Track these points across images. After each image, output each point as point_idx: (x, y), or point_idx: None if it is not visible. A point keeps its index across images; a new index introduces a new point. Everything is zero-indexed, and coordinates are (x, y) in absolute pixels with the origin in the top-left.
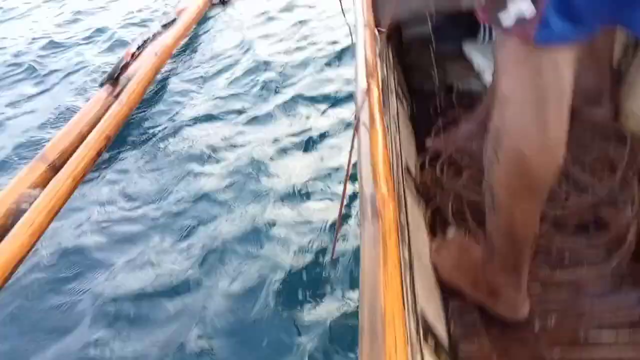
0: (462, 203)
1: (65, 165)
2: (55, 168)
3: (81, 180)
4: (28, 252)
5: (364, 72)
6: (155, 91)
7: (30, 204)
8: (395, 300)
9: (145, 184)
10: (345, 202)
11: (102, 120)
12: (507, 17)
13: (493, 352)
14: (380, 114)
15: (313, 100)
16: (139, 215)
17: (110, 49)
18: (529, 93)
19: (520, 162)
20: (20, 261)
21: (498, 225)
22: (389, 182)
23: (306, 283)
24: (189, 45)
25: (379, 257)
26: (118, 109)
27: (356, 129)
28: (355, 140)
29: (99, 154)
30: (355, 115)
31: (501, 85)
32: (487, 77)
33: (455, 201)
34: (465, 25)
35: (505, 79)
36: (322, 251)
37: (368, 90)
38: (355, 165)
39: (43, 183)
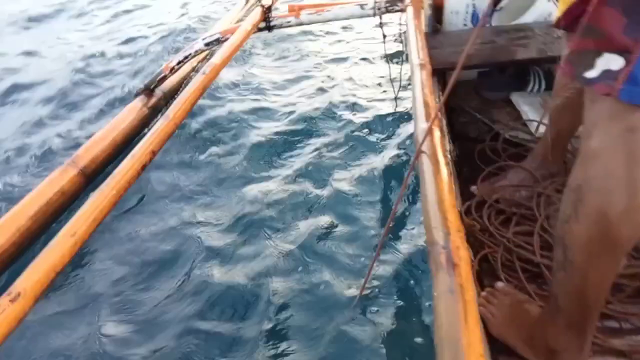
0: (511, 255)
1: (110, 178)
2: (85, 174)
3: (124, 193)
4: (67, 262)
5: (423, 112)
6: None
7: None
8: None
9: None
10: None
11: (147, 135)
12: (593, 72)
13: None
14: (444, 159)
15: (366, 134)
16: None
17: (149, 61)
18: (620, 151)
19: (603, 222)
20: (61, 270)
21: (568, 284)
22: (461, 230)
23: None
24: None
25: (459, 312)
26: (164, 125)
27: (412, 168)
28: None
29: (143, 167)
30: (415, 157)
31: (590, 141)
32: (536, 127)
33: (504, 255)
34: (513, 74)
35: (596, 134)
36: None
37: (430, 132)
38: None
39: (73, 188)
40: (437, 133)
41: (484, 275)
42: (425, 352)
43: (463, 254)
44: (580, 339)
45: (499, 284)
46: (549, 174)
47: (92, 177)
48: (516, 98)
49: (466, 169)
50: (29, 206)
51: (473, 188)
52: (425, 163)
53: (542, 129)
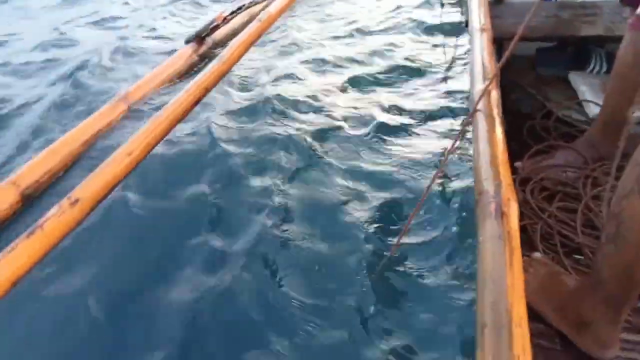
0: (551, 229)
1: (165, 107)
2: (133, 109)
3: (176, 124)
4: (121, 179)
5: (481, 73)
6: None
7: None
8: (521, 303)
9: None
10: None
11: (202, 73)
12: None
13: None
14: (499, 118)
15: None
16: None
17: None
18: None
19: None
20: (116, 184)
21: (616, 258)
22: (512, 184)
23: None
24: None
25: (505, 257)
26: (219, 65)
27: (467, 124)
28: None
29: (195, 103)
30: (471, 115)
31: None
32: (592, 109)
33: (544, 227)
34: (573, 52)
35: None
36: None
37: (487, 92)
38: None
39: (121, 121)
40: (494, 93)
41: (521, 245)
42: (461, 296)
43: (513, 205)
44: (616, 314)
45: (536, 254)
46: (599, 157)
47: (140, 112)
48: (574, 77)
49: (514, 145)
50: (80, 133)
51: (518, 164)
52: (480, 121)
53: (597, 110)
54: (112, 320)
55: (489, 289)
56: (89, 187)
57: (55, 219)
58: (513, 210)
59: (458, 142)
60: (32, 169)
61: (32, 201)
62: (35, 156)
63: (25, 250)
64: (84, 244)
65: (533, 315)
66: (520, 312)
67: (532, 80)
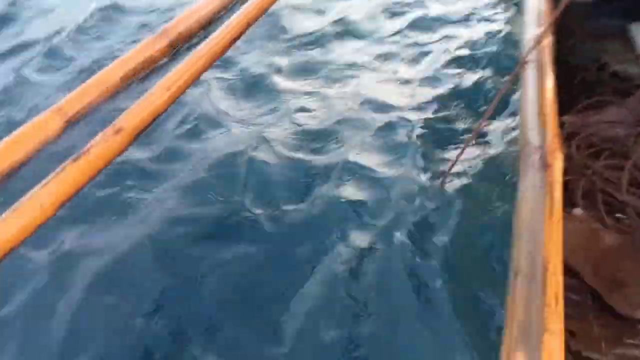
0: (594, 187)
1: (203, 44)
2: (173, 46)
3: (214, 61)
4: (161, 112)
5: (534, 19)
6: None
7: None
8: (558, 255)
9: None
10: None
11: (242, 8)
12: None
13: (602, 338)
14: (551, 68)
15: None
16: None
17: None
18: None
19: None
20: (157, 117)
21: None
22: (558, 137)
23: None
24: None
25: (546, 207)
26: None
27: (516, 74)
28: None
29: (235, 39)
30: (520, 66)
31: None
32: None
33: (586, 184)
34: (634, 3)
35: None
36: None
37: (540, 40)
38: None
39: (160, 57)
40: (547, 41)
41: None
42: (496, 236)
43: (558, 158)
44: None
45: (577, 210)
46: None
47: (179, 48)
48: (635, 29)
49: (563, 96)
50: (119, 67)
51: (565, 118)
52: (531, 69)
53: None
54: None
55: (526, 238)
56: (131, 117)
57: (100, 146)
58: (558, 163)
59: (505, 90)
60: (76, 98)
61: (75, 129)
62: (80, 86)
63: (71, 173)
64: None
65: (567, 269)
66: (556, 263)
67: (590, 29)
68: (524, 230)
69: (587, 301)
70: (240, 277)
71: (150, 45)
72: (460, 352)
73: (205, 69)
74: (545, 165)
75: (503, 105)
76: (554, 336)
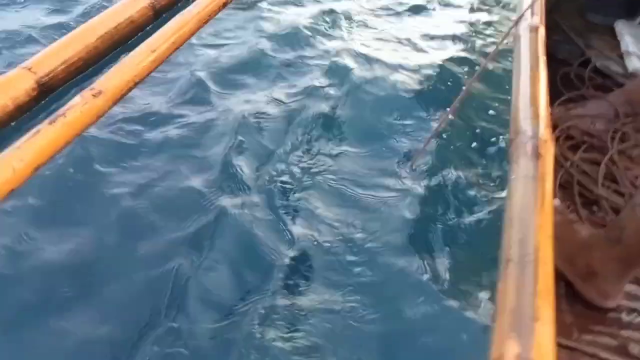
0: (571, 179)
1: (192, 6)
2: (155, 8)
3: (203, 25)
4: (145, 76)
5: (529, 11)
6: None
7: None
8: (548, 244)
9: None
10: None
11: None
12: None
13: (574, 326)
14: (544, 57)
15: None
16: None
17: None
18: None
19: None
20: (140, 81)
21: None
22: (550, 127)
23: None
24: None
25: (537, 197)
26: None
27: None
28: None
29: (225, 4)
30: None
31: None
32: (633, 62)
33: (564, 175)
34: (623, 2)
35: None
36: None
37: (535, 30)
38: None
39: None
40: (541, 30)
41: None
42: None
43: (550, 148)
44: (627, 273)
45: (555, 201)
46: (633, 113)
47: (162, 12)
48: (621, 26)
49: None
50: (98, 26)
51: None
52: (524, 58)
53: (638, 65)
54: None
55: (517, 227)
56: (111, 79)
57: (78, 109)
58: (550, 154)
59: (482, 71)
60: (48, 57)
61: (50, 92)
62: (51, 44)
63: (47, 135)
64: None
65: None
66: (547, 253)
67: (577, 25)
68: (514, 219)
69: (562, 292)
70: None
71: (131, 5)
72: (450, 339)
73: (192, 32)
74: (538, 156)
75: (487, 90)
76: (545, 324)
